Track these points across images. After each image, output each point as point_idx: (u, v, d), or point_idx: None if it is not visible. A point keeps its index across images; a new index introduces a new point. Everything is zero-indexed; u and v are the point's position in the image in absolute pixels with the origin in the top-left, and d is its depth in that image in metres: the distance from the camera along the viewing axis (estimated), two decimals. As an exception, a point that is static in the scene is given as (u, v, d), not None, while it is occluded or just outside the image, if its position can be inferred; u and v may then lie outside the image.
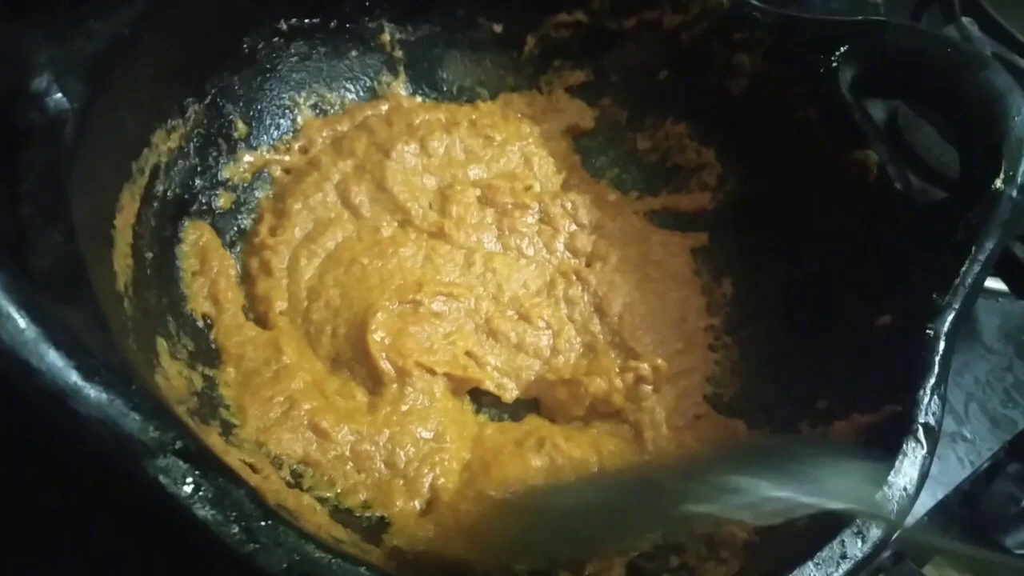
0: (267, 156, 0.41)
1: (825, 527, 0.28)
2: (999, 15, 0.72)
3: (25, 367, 0.22)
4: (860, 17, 0.42)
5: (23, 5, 0.30)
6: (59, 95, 0.29)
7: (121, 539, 0.35)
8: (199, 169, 0.38)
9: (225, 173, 0.40)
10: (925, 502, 0.50)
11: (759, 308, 0.41)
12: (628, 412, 0.38)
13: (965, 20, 0.67)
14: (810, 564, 0.27)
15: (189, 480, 0.22)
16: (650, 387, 0.38)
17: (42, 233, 0.26)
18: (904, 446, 0.30)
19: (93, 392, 0.22)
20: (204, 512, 0.22)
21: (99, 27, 0.31)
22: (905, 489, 0.29)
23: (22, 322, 0.22)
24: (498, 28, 0.47)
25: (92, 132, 0.29)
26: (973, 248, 0.34)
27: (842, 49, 0.40)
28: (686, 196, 0.46)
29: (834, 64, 0.40)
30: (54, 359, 0.22)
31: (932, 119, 0.42)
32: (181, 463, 0.22)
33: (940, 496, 0.50)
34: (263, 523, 0.22)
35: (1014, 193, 0.35)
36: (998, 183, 0.35)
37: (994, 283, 0.61)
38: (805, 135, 0.41)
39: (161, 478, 0.22)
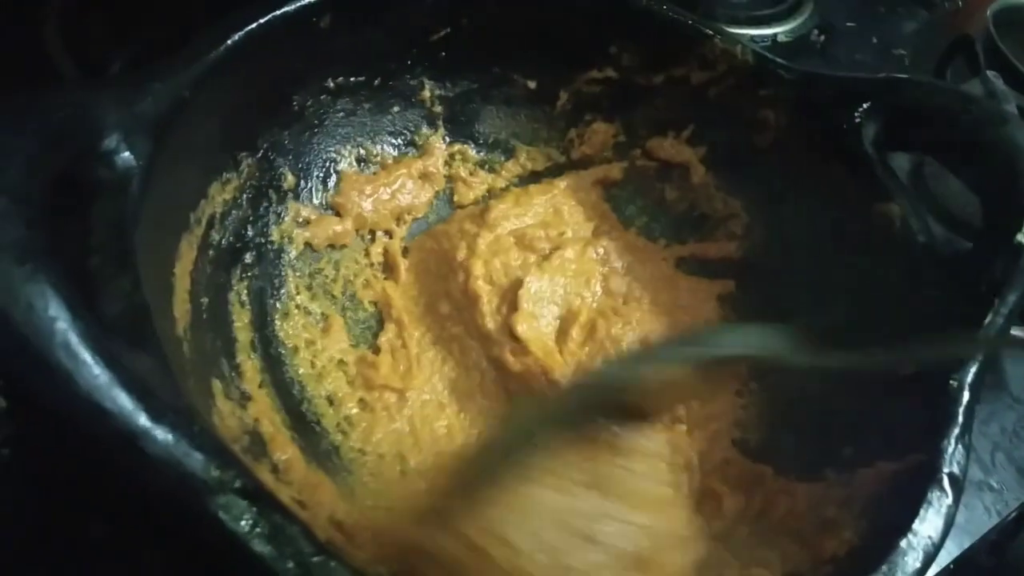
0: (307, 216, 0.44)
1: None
2: (1025, 68, 0.74)
3: (99, 410, 0.23)
4: (883, 74, 0.43)
5: (94, 72, 0.33)
6: (127, 153, 0.31)
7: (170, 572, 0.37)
8: (251, 219, 0.40)
9: (274, 236, 0.42)
10: (951, 550, 0.50)
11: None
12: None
13: (990, 73, 0.68)
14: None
15: (247, 517, 0.24)
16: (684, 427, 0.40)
17: (111, 282, 0.28)
18: (929, 495, 0.31)
19: (160, 433, 0.24)
20: (261, 548, 0.24)
21: (161, 89, 0.33)
22: (930, 537, 0.30)
23: (96, 368, 0.23)
24: (532, 84, 0.49)
25: (155, 187, 0.31)
26: (996, 300, 0.35)
27: (864, 105, 0.41)
28: (713, 244, 0.48)
29: (857, 120, 0.41)
30: (125, 402, 0.24)
31: (960, 175, 0.43)
32: (240, 500, 0.24)
33: (966, 545, 0.50)
34: (315, 558, 0.24)
35: (1033, 246, 0.36)
36: (1020, 237, 0.36)
37: (1021, 332, 0.61)
38: (829, 188, 0.43)
39: (221, 514, 0.24)
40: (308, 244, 0.43)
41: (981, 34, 0.78)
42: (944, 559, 0.49)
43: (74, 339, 0.24)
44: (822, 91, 0.43)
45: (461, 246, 0.44)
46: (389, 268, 0.46)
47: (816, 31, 0.84)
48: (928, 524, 0.30)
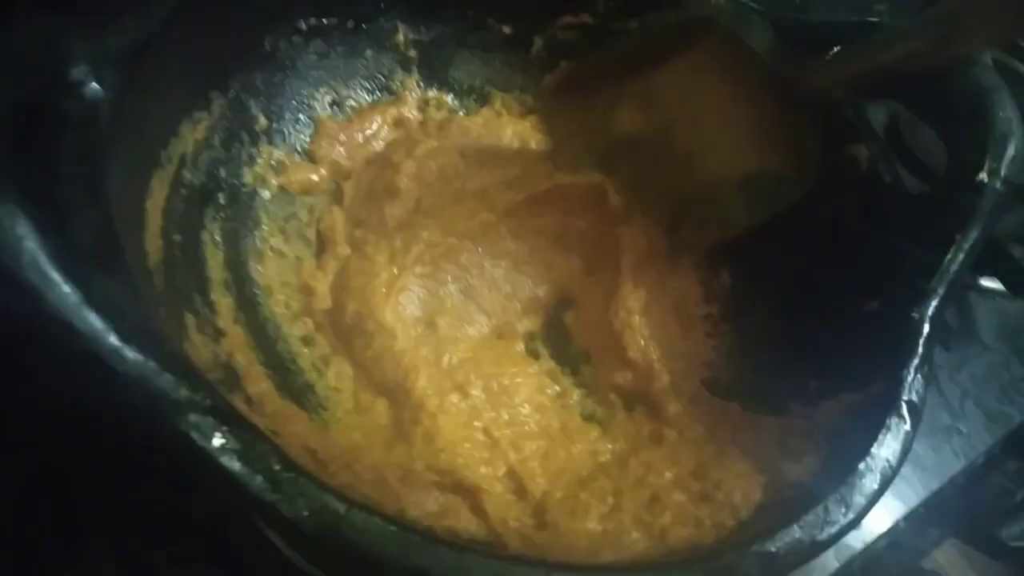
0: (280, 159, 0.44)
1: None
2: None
3: (69, 329, 0.24)
4: (855, 18, 0.43)
5: (63, 2, 0.32)
6: (95, 85, 0.30)
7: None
8: (223, 160, 0.40)
9: (247, 178, 0.42)
10: (919, 492, 0.51)
11: (755, 297, 0.43)
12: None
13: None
14: (795, 527, 0.28)
15: (217, 435, 0.24)
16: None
17: (80, 211, 0.28)
18: (887, 421, 0.32)
19: (130, 353, 0.24)
20: (231, 464, 0.24)
21: (132, 22, 0.33)
22: (888, 461, 0.31)
23: (67, 288, 0.24)
24: (507, 30, 0.49)
25: (125, 121, 0.31)
26: (958, 237, 0.36)
27: (833, 51, 0.42)
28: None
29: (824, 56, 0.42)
30: (95, 322, 0.24)
31: (930, 121, 0.44)
32: (210, 419, 0.24)
33: (935, 487, 0.52)
34: (286, 475, 0.24)
35: (998, 185, 0.36)
36: (982, 176, 0.36)
37: (992, 283, 0.62)
38: (800, 134, 0.43)
39: (192, 433, 0.24)
40: (282, 188, 0.43)
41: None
42: (914, 500, 0.51)
43: (43, 259, 0.24)
44: (796, 35, 0.43)
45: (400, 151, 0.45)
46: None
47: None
48: (886, 448, 0.31)
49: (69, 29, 0.31)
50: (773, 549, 0.28)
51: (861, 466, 0.30)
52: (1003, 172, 0.36)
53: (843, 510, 0.29)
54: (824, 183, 0.42)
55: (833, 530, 0.29)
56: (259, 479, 0.24)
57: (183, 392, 0.24)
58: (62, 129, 0.29)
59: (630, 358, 0.41)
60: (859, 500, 0.30)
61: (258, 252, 0.41)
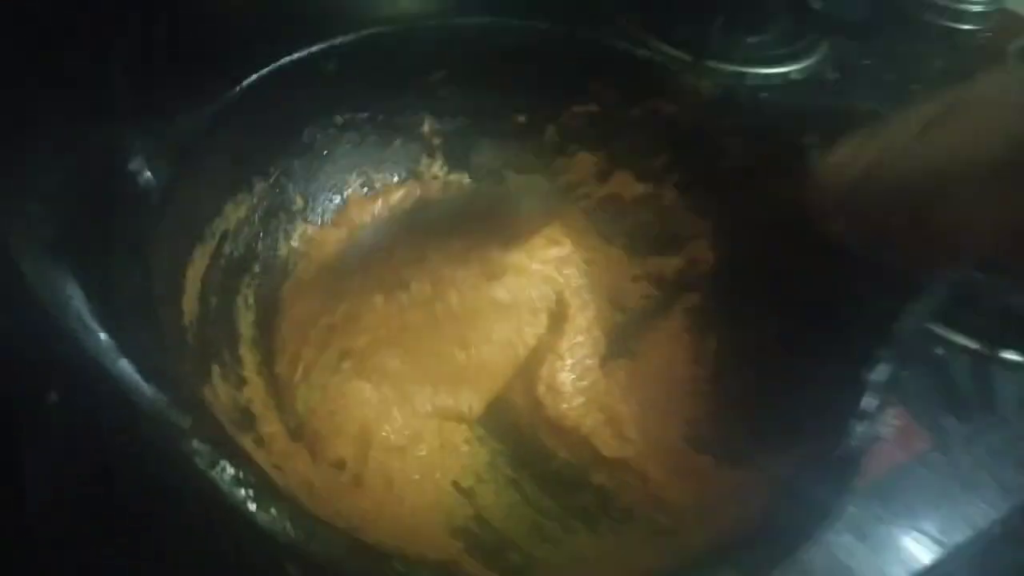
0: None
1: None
2: None
3: (102, 370, 0.30)
4: (829, 103, 0.47)
5: (126, 106, 0.40)
6: (148, 174, 0.38)
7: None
8: (261, 235, 0.47)
9: (282, 251, 0.49)
10: (926, 557, 0.52)
11: (736, 360, 0.46)
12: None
13: None
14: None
15: (212, 459, 0.29)
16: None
17: (125, 275, 0.35)
18: (822, 478, 0.34)
19: (148, 391, 0.30)
20: (220, 480, 0.29)
21: (184, 122, 0.40)
22: (812, 519, 0.33)
23: (103, 336, 0.30)
24: (522, 119, 0.55)
25: (173, 203, 0.38)
26: (909, 307, 0.38)
27: (811, 133, 0.45)
28: (683, 260, 0.52)
29: (808, 144, 0.45)
30: (123, 365, 0.30)
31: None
32: (206, 446, 0.29)
33: (942, 554, 0.52)
34: (264, 490, 0.29)
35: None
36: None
37: (1014, 355, 0.63)
38: (783, 204, 0.46)
39: (195, 457, 0.29)
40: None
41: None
42: (916, 568, 0.51)
43: (85, 313, 0.30)
44: (776, 118, 0.47)
45: None
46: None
47: (831, 69, 0.88)
48: (818, 504, 0.33)
49: (131, 128, 0.38)
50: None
51: (791, 517, 0.33)
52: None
53: (770, 554, 0.32)
54: (802, 256, 0.45)
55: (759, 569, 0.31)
56: (242, 492, 0.29)
57: (189, 423, 0.30)
58: (116, 210, 0.36)
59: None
60: (778, 551, 0.32)
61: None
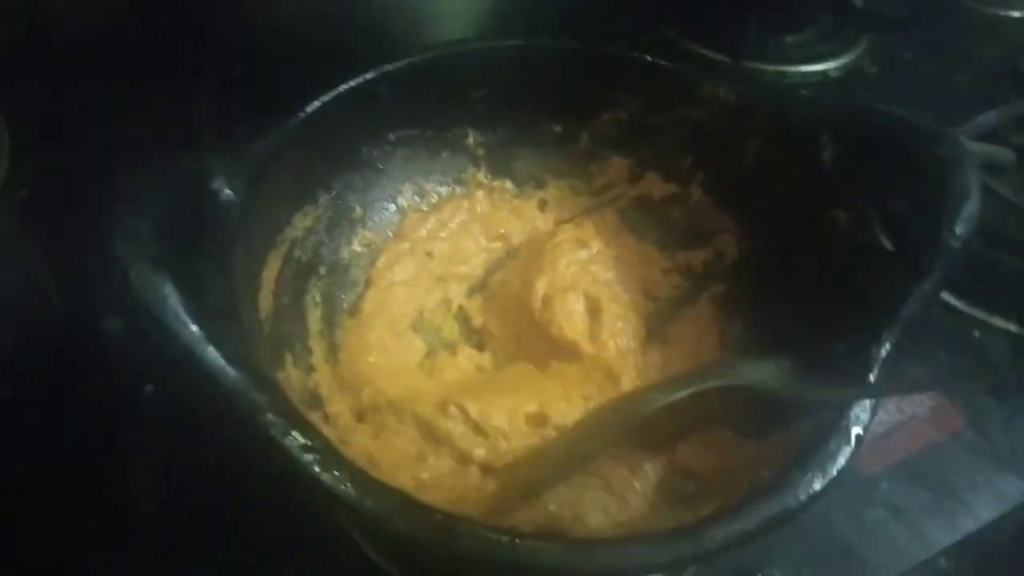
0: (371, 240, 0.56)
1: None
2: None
3: (193, 356, 0.35)
4: (844, 104, 0.50)
5: (209, 136, 0.46)
6: (228, 191, 0.44)
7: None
8: (326, 242, 0.53)
9: (344, 254, 0.55)
10: (957, 533, 0.54)
11: (757, 342, 0.50)
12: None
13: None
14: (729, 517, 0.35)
15: (283, 427, 0.35)
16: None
17: (212, 280, 0.41)
18: (828, 442, 0.37)
19: (231, 373, 0.35)
20: (291, 447, 0.34)
21: (258, 147, 0.46)
22: (818, 477, 0.36)
23: (194, 329, 0.36)
24: (558, 128, 0.59)
25: (250, 216, 0.44)
26: (914, 287, 0.41)
27: (824, 131, 0.49)
28: (710, 252, 0.56)
29: (822, 142, 0.49)
30: (211, 353, 0.35)
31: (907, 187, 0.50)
32: (280, 419, 0.35)
33: (973, 529, 0.54)
34: (329, 457, 0.34)
35: (952, 241, 0.42)
36: (941, 233, 0.42)
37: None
38: (799, 200, 0.50)
39: (270, 428, 0.35)
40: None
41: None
42: (945, 543, 0.53)
43: (180, 311, 0.36)
44: (793, 119, 0.51)
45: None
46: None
47: (870, 63, 0.89)
48: (824, 464, 0.37)
49: (214, 155, 0.44)
50: (705, 534, 0.34)
51: (795, 474, 0.36)
52: (957, 231, 0.42)
53: (776, 507, 0.35)
54: (812, 244, 0.49)
55: (767, 524, 0.35)
56: (309, 456, 0.34)
57: (265, 400, 0.35)
58: (203, 223, 0.43)
59: None
60: (791, 502, 0.35)
61: (350, 311, 0.53)
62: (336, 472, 0.34)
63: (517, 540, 0.33)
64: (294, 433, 0.34)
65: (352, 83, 0.51)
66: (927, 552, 0.52)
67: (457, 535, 0.33)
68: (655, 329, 0.54)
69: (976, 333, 0.65)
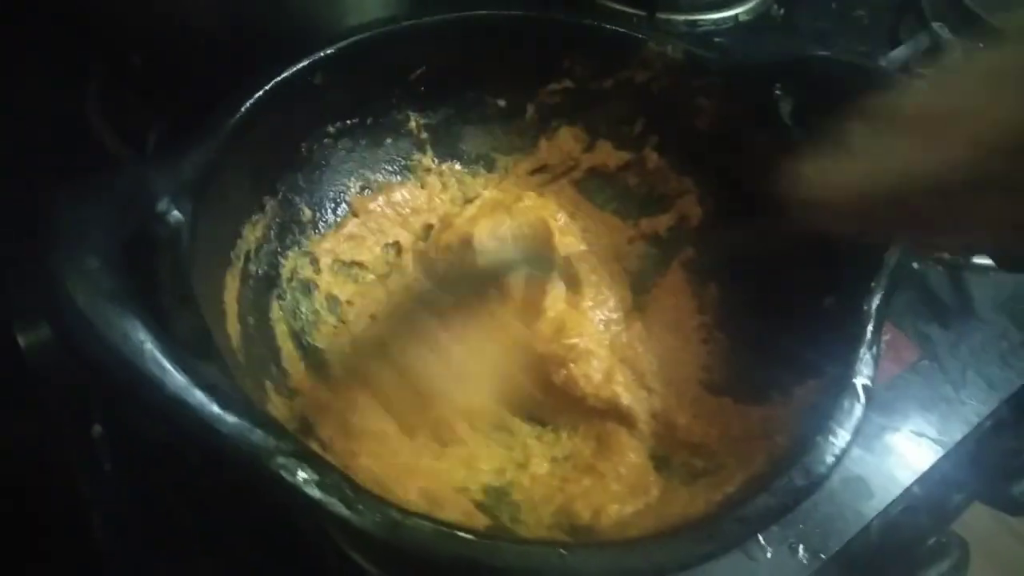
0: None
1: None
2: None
3: (182, 404, 0.32)
4: (791, 55, 0.50)
5: (148, 151, 0.41)
6: (176, 212, 0.39)
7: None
8: (279, 250, 0.49)
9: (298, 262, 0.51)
10: (927, 459, 0.56)
11: (739, 304, 0.50)
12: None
13: (935, 25, 0.74)
14: (765, 494, 0.35)
15: (300, 472, 0.32)
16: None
17: (177, 313, 0.37)
18: (842, 400, 0.38)
19: (229, 418, 0.32)
20: (313, 492, 0.32)
21: (196, 157, 0.41)
22: (845, 431, 0.37)
23: (178, 375, 0.32)
24: (502, 103, 0.57)
25: (200, 235, 0.40)
26: (894, 239, 0.42)
27: (778, 84, 0.48)
28: (675, 217, 0.55)
29: (775, 96, 0.49)
30: (201, 398, 0.32)
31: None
32: (294, 460, 0.32)
33: (941, 453, 0.56)
34: (356, 495, 0.32)
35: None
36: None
37: (984, 260, 0.67)
38: (755, 156, 0.50)
39: (282, 472, 0.32)
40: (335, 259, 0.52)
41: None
42: (921, 468, 0.56)
43: (159, 356, 0.32)
44: (743, 75, 0.50)
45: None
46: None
47: (776, 5, 0.90)
48: (843, 424, 0.37)
49: (151, 172, 0.40)
50: (746, 514, 0.34)
51: (819, 439, 0.36)
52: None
53: (806, 478, 0.36)
54: (781, 201, 0.48)
55: (799, 495, 0.35)
56: (335, 501, 0.32)
57: (271, 442, 0.32)
58: (156, 251, 0.38)
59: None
60: (820, 469, 0.36)
61: (314, 322, 0.49)
62: (360, 507, 0.31)
63: (563, 551, 0.32)
64: (310, 474, 0.32)
65: (287, 73, 0.46)
66: (900, 486, 0.54)
67: (503, 554, 0.32)
68: (632, 302, 0.53)
69: (915, 264, 0.67)
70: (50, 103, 0.70)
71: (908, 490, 0.55)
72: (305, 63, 0.48)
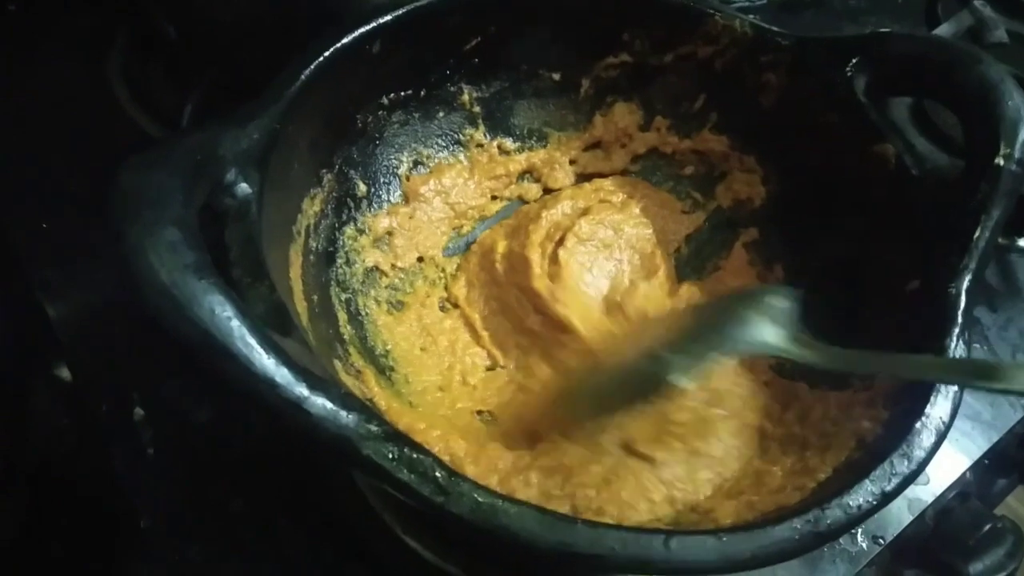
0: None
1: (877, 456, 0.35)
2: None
3: (271, 383, 0.30)
4: (868, 31, 0.49)
5: (214, 118, 0.39)
6: (244, 184, 0.38)
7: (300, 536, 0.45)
8: (336, 226, 0.47)
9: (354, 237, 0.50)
10: (981, 445, 0.56)
11: (809, 287, 0.48)
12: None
13: (977, 3, 0.73)
14: (866, 481, 0.34)
15: (390, 455, 0.30)
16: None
17: (252, 288, 0.35)
18: (937, 384, 0.37)
19: (318, 399, 0.30)
20: (404, 476, 0.30)
21: (259, 126, 0.39)
22: (941, 419, 0.36)
23: (266, 353, 0.30)
24: (557, 76, 0.55)
25: (266, 208, 0.38)
26: (983, 217, 0.41)
27: (853, 61, 0.47)
28: (736, 197, 0.54)
29: (848, 74, 0.47)
30: (289, 377, 0.30)
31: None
32: (383, 443, 0.30)
33: (995, 439, 0.56)
34: (449, 479, 0.30)
35: (1013, 167, 0.41)
36: (999, 160, 0.41)
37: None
38: (830, 136, 0.48)
39: (372, 455, 0.30)
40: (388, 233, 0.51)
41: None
42: (976, 453, 0.55)
43: (247, 333, 0.30)
44: (815, 52, 0.49)
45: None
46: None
47: (808, -25, 0.89)
48: (938, 408, 0.36)
49: (218, 141, 0.38)
50: (850, 502, 0.33)
51: (918, 425, 0.35)
52: (1017, 155, 0.41)
53: (906, 463, 0.35)
54: (858, 180, 0.47)
55: (899, 481, 0.34)
56: (428, 486, 0.30)
57: (361, 425, 0.31)
58: (227, 223, 0.36)
59: None
60: (919, 453, 0.35)
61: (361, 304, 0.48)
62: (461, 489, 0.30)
63: (666, 537, 0.31)
64: (406, 455, 0.30)
65: (346, 40, 0.45)
66: (956, 471, 0.54)
67: (606, 541, 0.31)
68: (691, 283, 0.52)
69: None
70: (74, 76, 0.68)
71: (962, 476, 0.55)
72: (364, 30, 0.46)
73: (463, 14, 0.50)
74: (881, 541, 0.50)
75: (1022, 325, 0.62)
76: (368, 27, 0.46)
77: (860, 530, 0.50)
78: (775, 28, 0.50)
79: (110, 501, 0.49)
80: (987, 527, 0.54)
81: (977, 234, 0.40)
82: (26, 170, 0.61)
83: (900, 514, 0.52)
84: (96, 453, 0.50)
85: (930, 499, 0.52)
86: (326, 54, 0.44)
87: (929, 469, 0.53)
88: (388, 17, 0.46)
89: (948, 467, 0.54)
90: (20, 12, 0.71)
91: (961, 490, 0.56)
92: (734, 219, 0.54)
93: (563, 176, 0.57)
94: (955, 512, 0.56)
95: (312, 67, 0.43)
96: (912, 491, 0.52)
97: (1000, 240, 0.66)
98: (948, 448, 0.55)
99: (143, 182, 0.33)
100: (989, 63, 0.44)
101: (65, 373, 0.55)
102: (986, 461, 0.57)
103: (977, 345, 0.60)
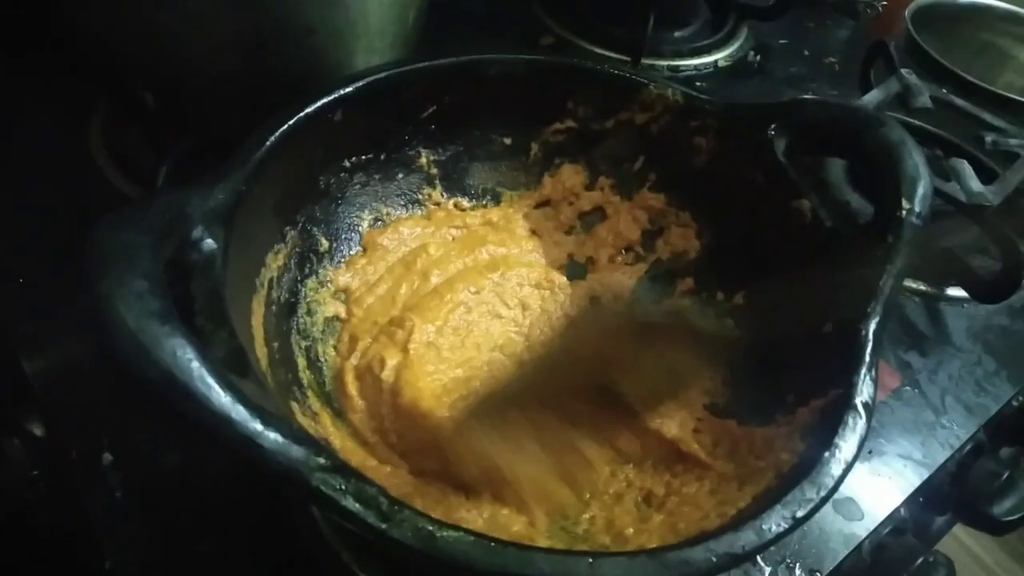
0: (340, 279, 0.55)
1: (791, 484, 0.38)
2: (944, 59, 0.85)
3: (227, 420, 0.33)
4: (787, 99, 0.54)
5: (186, 180, 0.43)
6: (209, 240, 0.41)
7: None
8: (299, 278, 0.51)
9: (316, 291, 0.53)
10: (913, 482, 0.59)
11: (740, 332, 0.52)
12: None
13: (904, 71, 0.79)
14: (778, 506, 0.37)
15: (338, 485, 0.33)
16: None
17: (214, 334, 0.38)
18: (846, 419, 0.40)
19: (271, 434, 0.33)
20: (350, 504, 0.33)
21: (226, 187, 0.43)
22: (849, 450, 0.39)
23: (223, 393, 0.33)
24: (508, 141, 0.60)
25: (230, 262, 0.42)
26: (887, 266, 0.45)
27: (773, 126, 0.52)
28: (673, 250, 0.58)
29: (770, 136, 0.52)
30: (244, 414, 0.33)
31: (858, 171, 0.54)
32: (331, 474, 0.33)
33: (926, 475, 0.59)
34: (391, 508, 0.33)
35: (914, 219, 0.46)
36: (902, 213, 0.46)
37: (957, 292, 0.71)
38: (755, 193, 0.53)
39: (320, 485, 0.33)
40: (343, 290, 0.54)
41: (902, 34, 0.89)
42: (908, 490, 0.58)
43: (206, 374, 0.33)
44: (740, 117, 0.54)
45: None
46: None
47: (752, 52, 0.95)
48: (847, 440, 0.39)
49: (187, 200, 0.41)
50: (763, 525, 0.36)
51: (826, 455, 0.39)
52: (917, 209, 0.46)
53: (815, 490, 0.38)
54: (781, 232, 0.51)
55: (809, 507, 0.37)
56: (372, 514, 0.33)
57: (311, 458, 0.34)
58: (192, 275, 0.40)
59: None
60: (827, 481, 0.38)
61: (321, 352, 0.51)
62: (397, 519, 0.33)
63: (591, 560, 0.34)
64: (354, 487, 0.33)
65: (310, 109, 0.49)
66: (888, 507, 0.57)
67: (537, 563, 0.33)
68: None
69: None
70: (56, 140, 0.72)
71: (896, 511, 0.58)
72: (326, 100, 0.50)
73: (419, 86, 0.54)
74: (818, 574, 0.53)
75: (951, 370, 0.66)
76: (330, 97, 0.50)
77: (798, 564, 0.53)
78: (703, 96, 0.55)
79: (76, 543, 0.51)
80: (920, 560, 0.57)
81: (883, 281, 0.44)
82: (6, 227, 0.64)
83: (836, 548, 0.54)
84: (64, 497, 0.52)
85: (864, 533, 0.55)
86: (291, 122, 0.48)
87: (863, 505, 0.58)
88: (349, 88, 0.51)
89: (882, 504, 0.57)
90: (5, 77, 0.75)
91: (896, 526, 0.59)
92: (672, 270, 0.58)
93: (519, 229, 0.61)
94: (890, 547, 0.58)
95: (277, 134, 0.47)
96: (848, 526, 0.56)
97: (929, 289, 0.71)
98: (882, 485, 0.58)
99: (115, 237, 0.37)
100: (891, 127, 0.49)
101: (38, 429, 0.57)
102: (920, 498, 0.60)
103: (908, 388, 0.64)
